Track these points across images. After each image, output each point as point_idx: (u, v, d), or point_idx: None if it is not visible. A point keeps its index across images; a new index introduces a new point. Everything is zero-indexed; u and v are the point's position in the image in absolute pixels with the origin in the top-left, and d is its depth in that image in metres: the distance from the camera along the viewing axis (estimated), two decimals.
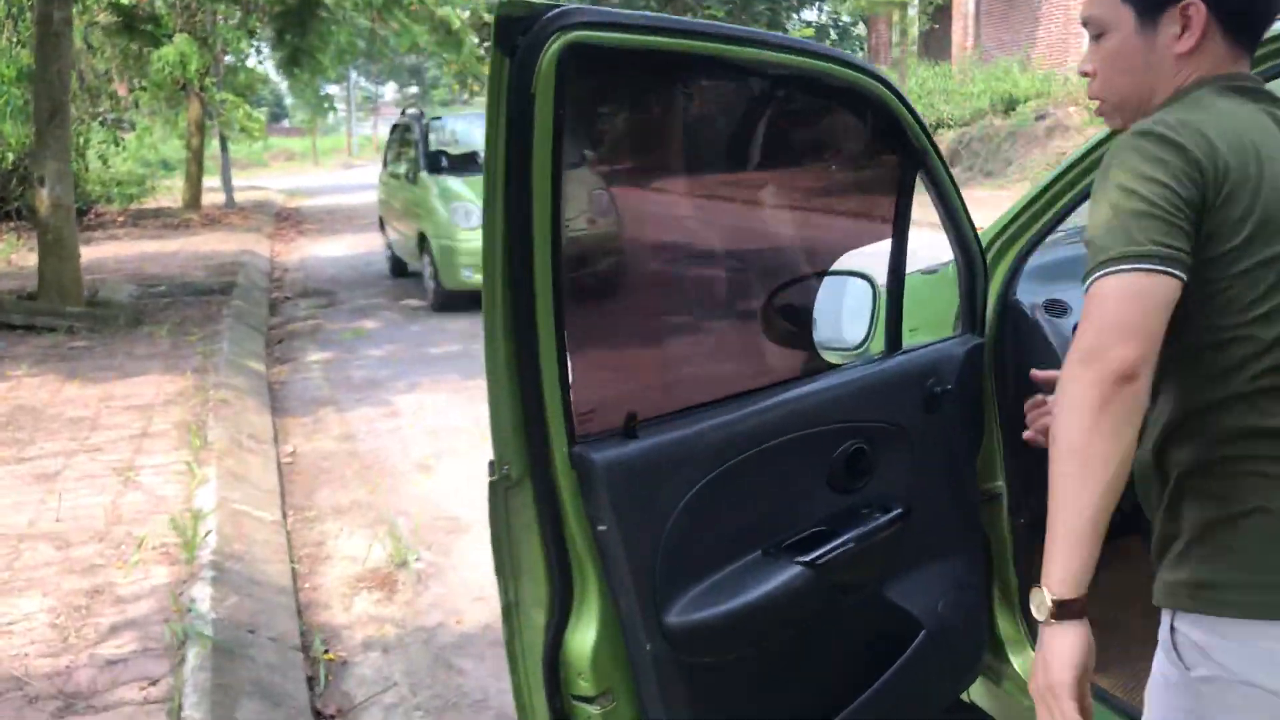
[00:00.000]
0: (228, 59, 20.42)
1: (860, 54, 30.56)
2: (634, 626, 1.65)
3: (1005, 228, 2.31)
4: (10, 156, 14.41)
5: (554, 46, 1.46)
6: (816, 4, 31.39)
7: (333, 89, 44.89)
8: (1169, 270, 1.24)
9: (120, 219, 16.70)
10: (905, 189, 2.15)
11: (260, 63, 25.94)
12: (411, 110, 11.03)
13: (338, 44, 17.51)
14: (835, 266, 2.33)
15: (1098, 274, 1.26)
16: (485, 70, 23.23)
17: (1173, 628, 1.41)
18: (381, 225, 12.11)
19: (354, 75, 47.15)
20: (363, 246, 14.17)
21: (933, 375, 2.15)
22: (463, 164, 10.09)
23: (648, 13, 14.11)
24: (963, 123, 21.97)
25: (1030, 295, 2.40)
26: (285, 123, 56.14)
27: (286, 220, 18.80)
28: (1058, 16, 22.76)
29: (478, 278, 8.72)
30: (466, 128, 10.73)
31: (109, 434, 5.40)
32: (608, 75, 1.73)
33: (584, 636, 1.65)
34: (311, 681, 3.28)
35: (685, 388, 1.95)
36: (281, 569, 4.02)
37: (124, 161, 19.52)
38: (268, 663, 3.25)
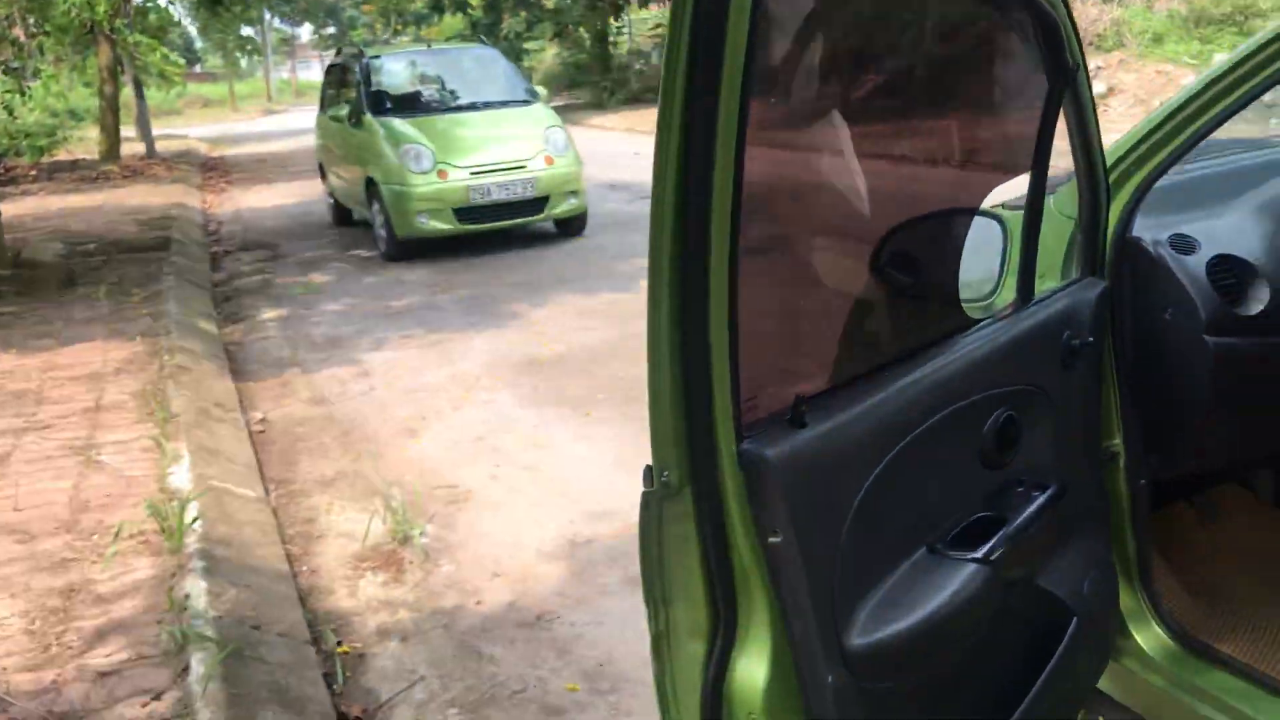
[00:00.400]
0: None
1: None
2: (811, 654, 1.37)
3: (1130, 151, 2.04)
4: None
5: None
6: None
7: (246, 31, 43.18)
8: None
9: (33, 173, 15.79)
10: (1050, 112, 1.85)
11: (171, 2, 24.68)
12: (349, 49, 10.45)
13: None
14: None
15: None
16: (412, 5, 22.41)
17: None
18: (321, 172, 11.53)
19: (268, 16, 45.29)
20: (300, 195, 13.54)
21: (1068, 327, 1.89)
22: (409, 104, 9.58)
23: None
24: None
25: (1148, 230, 2.14)
26: (197, 68, 54.01)
27: (214, 170, 17.97)
28: None
29: (433, 224, 8.37)
30: (410, 66, 10.17)
31: (58, 408, 4.96)
32: None
33: (753, 669, 1.36)
34: (329, 679, 2.98)
35: (842, 360, 1.66)
36: (275, 552, 3.68)
37: (30, 112, 18.44)
38: (280, 662, 2.93)
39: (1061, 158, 2.06)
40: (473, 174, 8.67)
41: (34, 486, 4.01)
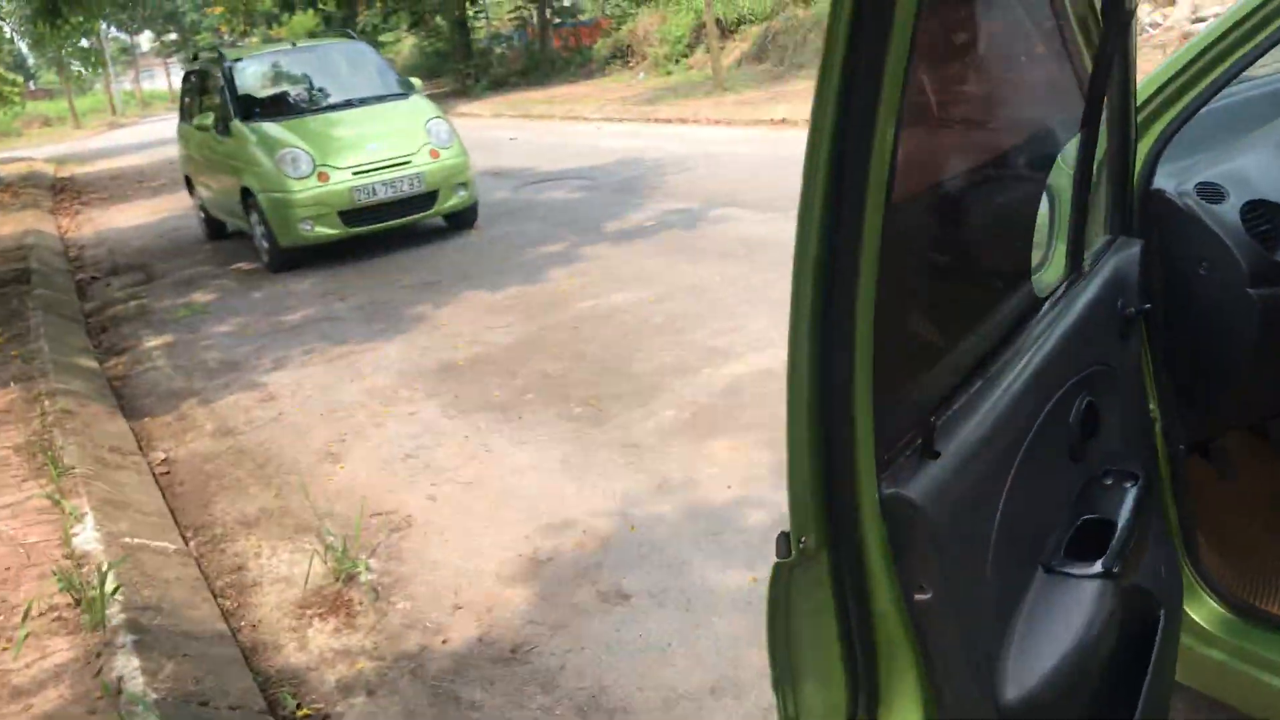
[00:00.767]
0: None
1: None
2: None
3: (1154, 96, 1.88)
4: None
5: None
6: None
7: (83, 43, 40.93)
8: None
9: None
10: (1105, 60, 1.65)
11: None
12: (207, 54, 9.85)
13: None
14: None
15: None
16: (263, 3, 21.41)
17: None
18: (189, 184, 10.89)
19: (104, 25, 43.00)
20: (165, 210, 12.82)
21: (1120, 295, 1.73)
22: (279, 107, 9.06)
23: None
24: (765, 17, 21.79)
25: (1168, 180, 1.99)
26: (31, 85, 51.19)
27: (65, 192, 16.92)
28: None
29: (318, 230, 7.91)
30: (276, 67, 9.63)
31: None
32: None
33: None
34: None
35: (950, 364, 1.44)
36: (208, 611, 3.34)
37: None
38: None
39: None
40: (355, 174, 8.25)
41: None
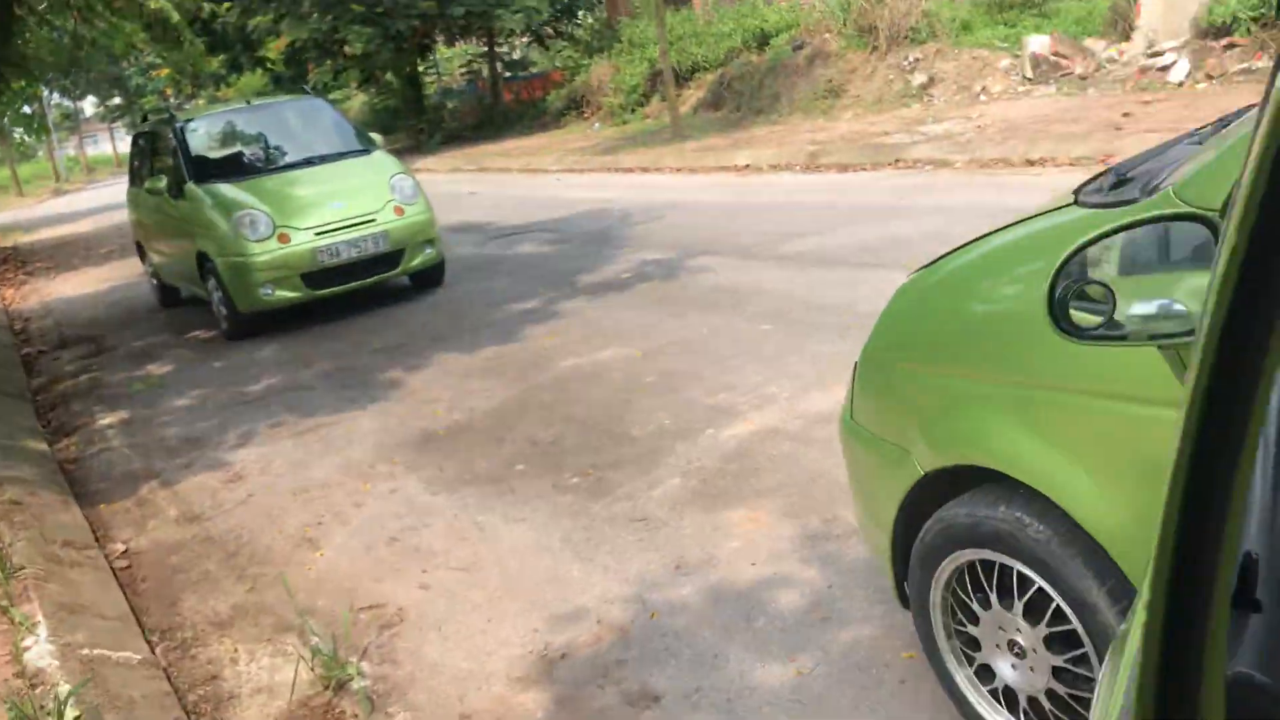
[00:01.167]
0: None
1: (599, 7, 30.03)
2: None
3: None
4: None
5: None
6: None
7: (25, 110, 40.24)
8: None
9: None
10: None
11: None
12: (157, 115, 9.51)
13: (35, 52, 15.26)
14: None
15: None
16: (210, 65, 21.00)
17: None
18: (140, 250, 10.48)
19: (46, 92, 42.36)
20: (115, 278, 12.39)
21: None
22: (235, 168, 8.72)
23: None
24: (719, 64, 21.83)
25: None
26: None
27: (8, 262, 16.39)
28: None
29: (280, 294, 7.52)
30: (230, 126, 9.30)
31: None
32: None
33: None
34: None
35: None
36: None
37: None
38: None
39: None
40: (318, 234, 7.91)
41: None
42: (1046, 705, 2.16)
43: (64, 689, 2.86)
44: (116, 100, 53.61)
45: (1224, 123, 2.27)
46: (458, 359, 6.55)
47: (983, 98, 14.70)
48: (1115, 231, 1.52)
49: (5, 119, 23.68)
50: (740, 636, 3.01)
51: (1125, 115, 10.93)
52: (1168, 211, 1.66)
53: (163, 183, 8.74)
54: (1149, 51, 13.52)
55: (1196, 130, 2.32)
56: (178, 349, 8.31)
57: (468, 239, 11.37)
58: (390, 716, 2.96)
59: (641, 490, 4.12)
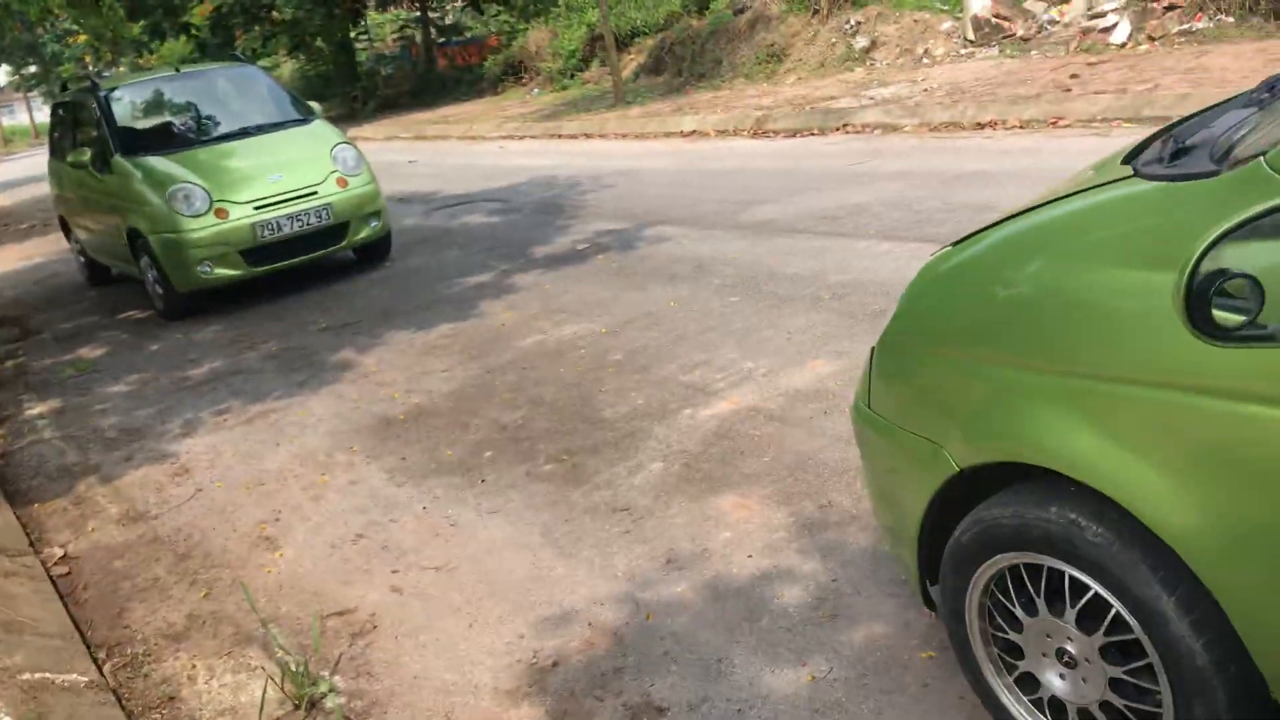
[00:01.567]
0: None
1: None
2: None
3: None
4: None
5: None
6: None
7: None
8: None
9: None
10: None
11: None
12: (79, 84, 8.99)
13: None
14: None
15: None
16: (130, 31, 20.25)
17: None
18: (64, 226, 9.97)
19: None
20: (38, 254, 11.83)
21: None
22: (166, 140, 8.24)
23: None
24: (659, 28, 21.49)
25: None
26: None
27: None
28: None
29: (219, 271, 7.12)
30: (159, 95, 8.80)
31: None
32: None
33: None
34: None
35: None
36: None
37: None
38: None
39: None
40: (257, 209, 7.53)
41: None
42: (1101, 718, 2.00)
43: None
44: (32, 69, 51.66)
45: (1271, 85, 2.11)
46: (411, 337, 6.27)
47: (926, 61, 14.59)
48: (1265, 214, 1.33)
49: None
50: (744, 638, 2.82)
51: (1073, 77, 10.87)
52: None
53: (87, 155, 8.27)
54: (1090, 13, 13.50)
55: (1248, 92, 2.14)
56: (111, 330, 7.89)
57: (412, 210, 11.01)
58: None
59: (622, 477, 3.91)
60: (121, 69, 34.85)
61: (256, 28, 28.01)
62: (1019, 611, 2.09)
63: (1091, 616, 1.95)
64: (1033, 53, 13.24)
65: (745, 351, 4.95)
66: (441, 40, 30.42)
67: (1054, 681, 2.07)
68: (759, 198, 8.31)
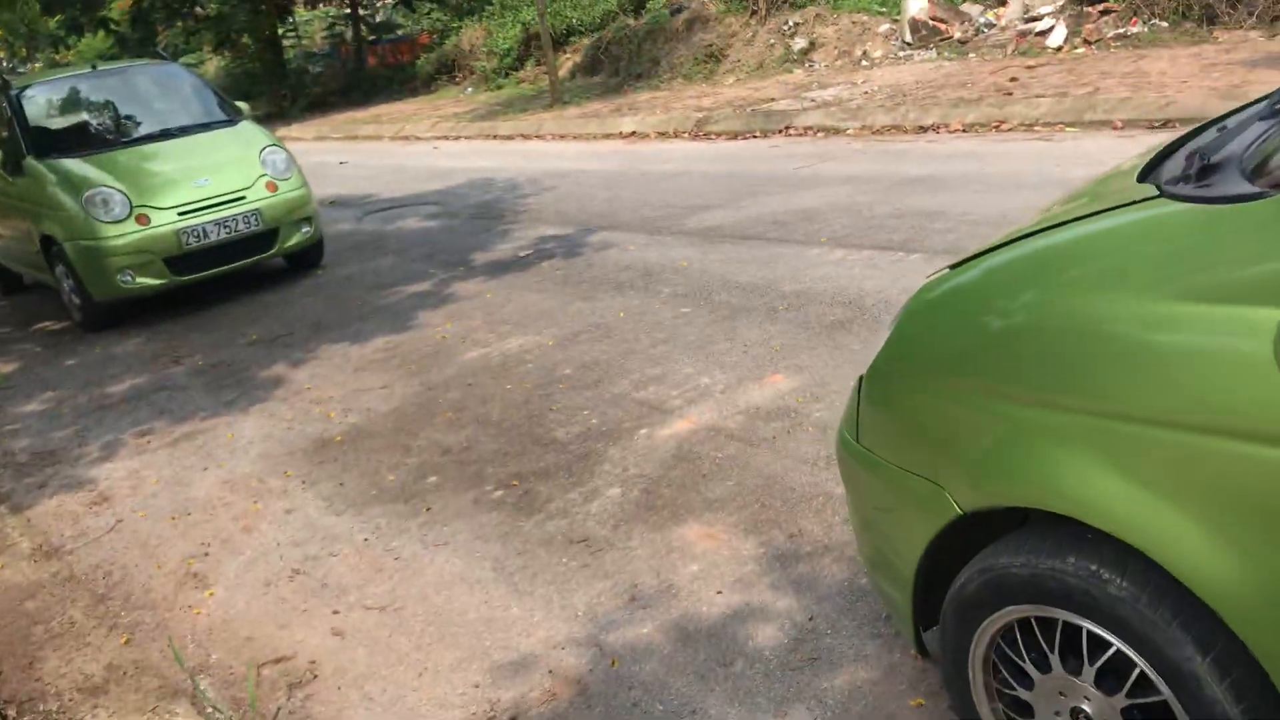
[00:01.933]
0: None
1: None
2: None
3: None
4: None
5: None
6: None
7: None
8: None
9: None
10: None
11: None
12: None
13: None
14: None
15: None
16: (46, 26, 19.63)
17: None
18: None
19: None
20: None
21: None
22: (82, 141, 7.82)
23: None
24: (595, 27, 21.27)
25: None
26: None
27: None
28: None
29: (141, 281, 6.72)
30: (75, 94, 8.35)
31: None
32: None
33: None
34: None
35: None
36: None
37: None
38: None
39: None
40: (181, 215, 7.17)
41: None
42: None
43: None
44: None
45: None
46: (346, 351, 5.98)
47: (865, 63, 14.57)
48: None
49: None
50: (718, 686, 2.63)
51: (1012, 80, 10.89)
52: None
53: None
54: (1025, 16, 13.58)
55: (1263, 100, 2.00)
56: (23, 344, 7.47)
57: (344, 214, 10.66)
58: None
59: (577, 504, 3.69)
60: (36, 66, 33.69)
61: (179, 23, 27.23)
62: (1029, 667, 1.92)
63: (1112, 675, 1.79)
64: (970, 55, 13.27)
65: (701, 366, 4.76)
66: (372, 38, 29.85)
67: None
68: (705, 202, 8.14)
